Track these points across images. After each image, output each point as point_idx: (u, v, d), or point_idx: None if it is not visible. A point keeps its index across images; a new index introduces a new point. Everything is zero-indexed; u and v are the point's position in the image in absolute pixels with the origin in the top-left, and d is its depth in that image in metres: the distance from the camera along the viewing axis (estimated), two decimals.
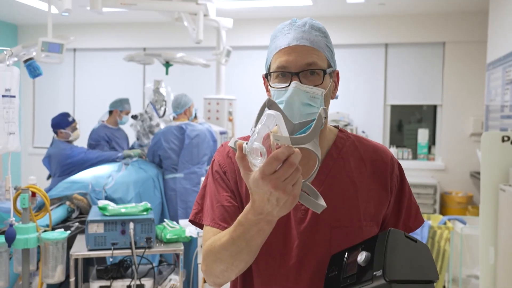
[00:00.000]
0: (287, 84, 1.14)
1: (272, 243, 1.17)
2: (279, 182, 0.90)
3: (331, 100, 1.23)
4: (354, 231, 1.18)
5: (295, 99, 1.12)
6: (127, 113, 4.77)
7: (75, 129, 4.36)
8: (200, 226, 1.27)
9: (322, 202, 1.00)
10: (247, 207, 1.01)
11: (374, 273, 1.00)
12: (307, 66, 1.14)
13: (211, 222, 1.21)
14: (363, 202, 1.20)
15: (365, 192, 1.21)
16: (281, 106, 1.13)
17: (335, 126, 1.32)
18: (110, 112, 4.78)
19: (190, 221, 1.30)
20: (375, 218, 1.22)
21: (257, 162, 0.91)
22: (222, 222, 1.19)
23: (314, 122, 1.00)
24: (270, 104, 1.07)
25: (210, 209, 1.24)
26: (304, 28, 1.18)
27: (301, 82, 1.13)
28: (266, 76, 1.21)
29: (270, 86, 1.19)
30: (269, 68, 1.21)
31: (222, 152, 1.29)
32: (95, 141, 4.64)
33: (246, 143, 0.92)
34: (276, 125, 0.94)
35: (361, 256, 1.04)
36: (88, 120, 6.71)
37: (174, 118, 4.38)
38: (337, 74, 1.25)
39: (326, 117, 1.21)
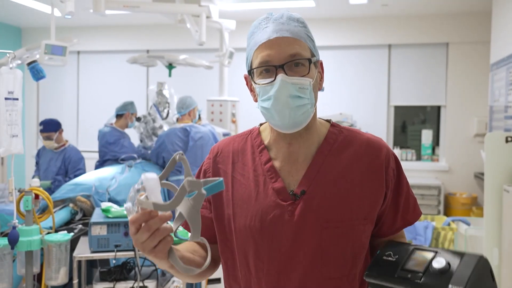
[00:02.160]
0: (273, 79, 1.11)
1: (259, 244, 1.15)
2: (138, 243, 0.97)
3: (321, 98, 1.23)
4: (345, 231, 1.14)
5: (283, 92, 1.09)
6: (135, 116, 4.76)
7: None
8: None
9: (192, 268, 1.03)
10: None
11: (450, 285, 0.96)
12: (290, 58, 1.10)
13: None
14: (356, 200, 1.15)
15: (358, 190, 1.15)
16: (269, 102, 1.11)
17: (327, 120, 1.27)
18: (118, 115, 4.74)
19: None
20: (369, 215, 1.17)
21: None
22: None
23: (178, 191, 0.96)
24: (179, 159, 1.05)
25: None
26: (282, 20, 1.14)
27: (286, 75, 1.10)
28: (250, 74, 1.18)
29: (255, 83, 1.15)
30: (250, 66, 1.17)
31: (209, 154, 1.30)
32: (114, 140, 4.58)
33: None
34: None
35: (439, 262, 1.01)
36: (92, 122, 6.75)
37: (177, 120, 4.38)
38: (321, 64, 1.22)
39: (315, 109, 1.18)
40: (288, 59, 1.11)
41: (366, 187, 1.17)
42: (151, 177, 0.97)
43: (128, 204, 0.98)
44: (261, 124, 1.30)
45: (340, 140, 1.21)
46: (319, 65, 1.20)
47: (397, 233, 1.27)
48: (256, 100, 1.19)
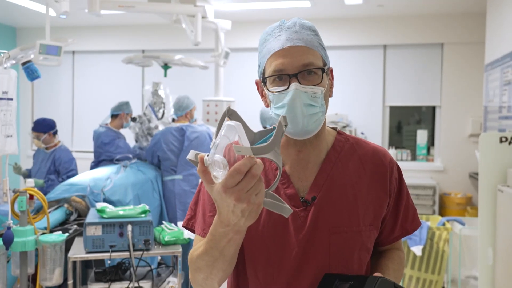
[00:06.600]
0: (286, 87, 1.12)
1: (271, 251, 1.16)
2: (242, 193, 0.87)
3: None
4: (353, 236, 1.17)
5: (296, 101, 1.10)
6: (130, 116, 4.75)
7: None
8: (193, 231, 1.26)
9: (287, 206, 0.97)
10: (215, 218, 0.99)
11: None
12: (304, 67, 1.12)
13: (201, 231, 1.22)
14: (363, 206, 1.19)
15: (365, 196, 1.19)
16: (283, 110, 1.12)
17: (333, 128, 1.30)
18: (113, 116, 4.72)
19: (183, 226, 1.30)
20: (375, 221, 1.21)
21: (219, 175, 0.88)
22: None
23: (275, 130, 0.90)
24: (230, 114, 0.98)
25: (201, 218, 1.23)
26: (295, 29, 1.15)
27: (299, 83, 1.11)
28: (263, 81, 1.18)
29: (268, 90, 1.16)
30: (263, 73, 1.18)
31: None
32: (109, 140, 4.54)
33: (208, 155, 0.88)
34: (238, 136, 0.90)
35: None
36: (87, 122, 6.73)
37: (174, 120, 4.37)
38: (331, 71, 1.23)
39: (324, 119, 1.19)
40: (301, 68, 1.12)
41: (372, 194, 1.21)
42: (236, 122, 0.89)
43: (217, 157, 0.87)
44: None
45: (347, 148, 1.25)
46: (330, 73, 1.22)
47: (394, 243, 1.32)
48: (267, 105, 1.20)
